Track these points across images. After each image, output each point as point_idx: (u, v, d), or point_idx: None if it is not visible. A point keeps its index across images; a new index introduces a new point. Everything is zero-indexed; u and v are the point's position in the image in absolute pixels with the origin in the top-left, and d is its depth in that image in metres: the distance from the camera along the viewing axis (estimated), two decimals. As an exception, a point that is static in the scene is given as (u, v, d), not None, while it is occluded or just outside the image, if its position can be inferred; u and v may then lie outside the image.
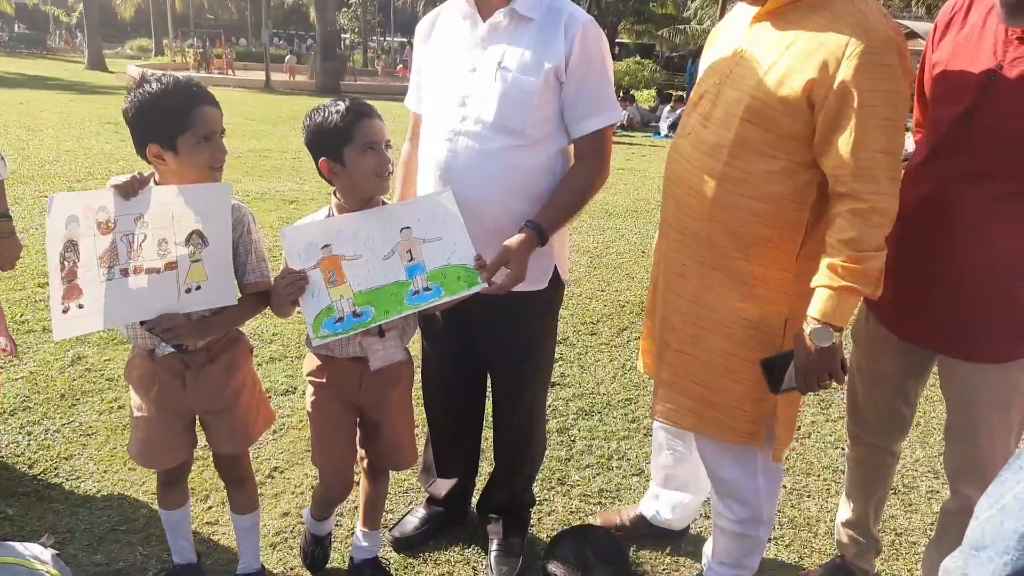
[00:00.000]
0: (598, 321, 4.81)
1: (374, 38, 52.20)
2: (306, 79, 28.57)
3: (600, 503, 2.92)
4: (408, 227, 2.00)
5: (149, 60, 37.19)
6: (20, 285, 4.77)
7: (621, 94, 18.12)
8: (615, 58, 16.80)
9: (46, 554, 2.00)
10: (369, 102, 2.04)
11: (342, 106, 1.99)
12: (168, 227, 1.85)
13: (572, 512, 2.85)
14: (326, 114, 1.99)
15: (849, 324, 1.87)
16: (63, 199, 1.78)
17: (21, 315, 4.36)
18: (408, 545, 2.58)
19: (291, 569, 2.45)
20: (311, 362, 2.20)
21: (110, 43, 40.07)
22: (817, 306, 1.72)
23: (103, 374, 3.71)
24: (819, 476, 3.15)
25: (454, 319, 2.28)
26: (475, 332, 2.33)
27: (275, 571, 2.44)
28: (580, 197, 2.15)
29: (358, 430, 2.27)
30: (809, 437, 3.46)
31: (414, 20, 57.36)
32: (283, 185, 8.58)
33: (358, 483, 2.42)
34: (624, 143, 14.87)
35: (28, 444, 3.08)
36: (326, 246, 1.96)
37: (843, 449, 2.91)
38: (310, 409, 2.23)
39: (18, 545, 2.02)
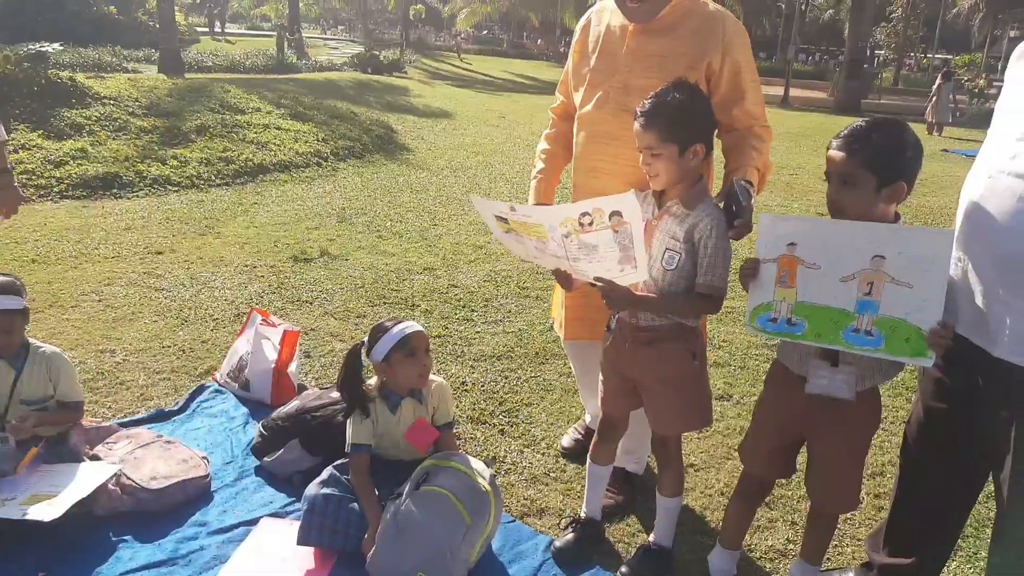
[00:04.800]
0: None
1: (912, 54, 47.98)
2: (825, 96, 27.69)
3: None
4: (883, 256, 1.80)
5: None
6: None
7: None
8: None
9: (487, 472, 2.42)
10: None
11: None
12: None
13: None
14: None
15: None
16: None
17: (523, 283, 5.22)
18: None
19: (684, 561, 2.52)
20: (773, 366, 2.23)
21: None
22: None
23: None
24: None
25: (962, 386, 1.95)
26: (989, 411, 1.90)
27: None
28: None
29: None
30: None
31: (965, 35, 51.08)
32: (772, 200, 8.55)
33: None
34: None
35: (502, 385, 3.70)
36: (792, 244, 1.93)
37: None
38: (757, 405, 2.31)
39: (469, 458, 2.49)
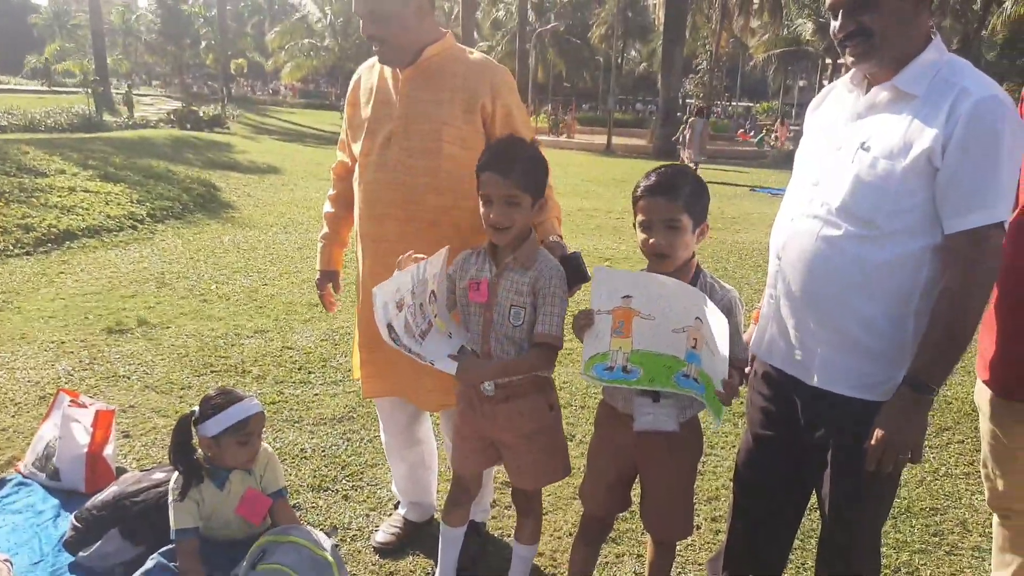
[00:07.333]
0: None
1: (718, 103, 52.41)
2: (645, 143, 29.59)
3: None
4: (700, 320, 1.91)
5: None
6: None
7: None
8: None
9: (328, 542, 2.30)
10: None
11: None
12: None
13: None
14: None
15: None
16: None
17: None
18: None
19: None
20: (601, 407, 2.28)
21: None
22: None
23: (414, 397, 4.16)
24: None
25: (783, 413, 2.11)
26: (808, 434, 2.05)
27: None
28: (948, 324, 1.77)
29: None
30: None
31: (763, 84, 56.48)
32: (602, 243, 8.95)
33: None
34: None
35: (344, 448, 3.58)
36: (627, 296, 1.99)
37: None
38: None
39: (309, 529, 2.36)
